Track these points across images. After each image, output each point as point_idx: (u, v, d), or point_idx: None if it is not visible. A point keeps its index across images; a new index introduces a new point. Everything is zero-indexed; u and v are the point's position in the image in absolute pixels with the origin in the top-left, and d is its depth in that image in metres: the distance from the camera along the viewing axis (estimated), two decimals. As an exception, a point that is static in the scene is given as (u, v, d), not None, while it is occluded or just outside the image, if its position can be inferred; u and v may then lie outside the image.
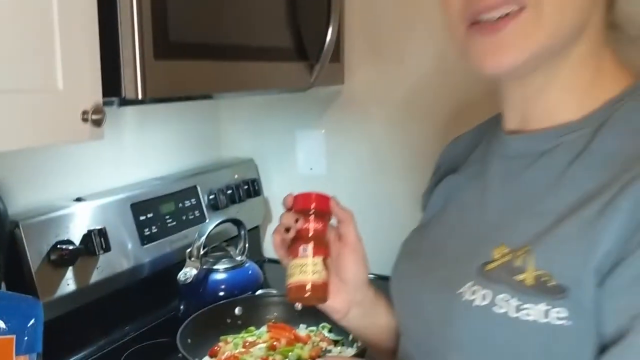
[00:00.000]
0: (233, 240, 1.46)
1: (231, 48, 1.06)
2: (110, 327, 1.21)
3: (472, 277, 0.62)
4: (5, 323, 0.86)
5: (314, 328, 1.22)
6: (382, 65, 1.48)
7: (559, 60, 0.62)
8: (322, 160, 1.63)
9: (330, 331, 1.21)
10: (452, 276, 0.65)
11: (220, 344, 1.17)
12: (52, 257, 1.07)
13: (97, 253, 1.14)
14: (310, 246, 0.75)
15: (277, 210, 1.71)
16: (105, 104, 0.89)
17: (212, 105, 1.68)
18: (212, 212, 1.47)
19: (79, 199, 1.19)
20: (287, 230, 0.81)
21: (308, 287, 0.75)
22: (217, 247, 1.40)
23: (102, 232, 1.15)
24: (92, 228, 1.15)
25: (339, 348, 1.16)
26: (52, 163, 1.20)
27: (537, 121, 0.66)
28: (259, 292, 1.34)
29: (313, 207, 0.77)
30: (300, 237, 0.78)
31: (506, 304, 0.57)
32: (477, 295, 0.60)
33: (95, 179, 1.29)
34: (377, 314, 0.84)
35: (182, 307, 1.30)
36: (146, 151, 1.45)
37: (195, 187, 1.46)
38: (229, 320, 1.23)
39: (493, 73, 0.61)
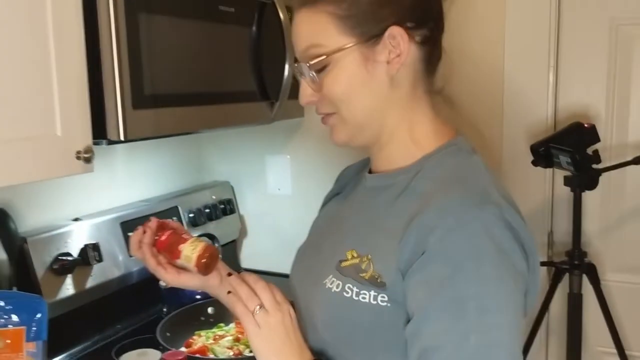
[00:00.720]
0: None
1: (201, 95, 1.31)
2: (103, 325, 1.46)
3: (332, 271, 0.85)
4: (17, 316, 1.11)
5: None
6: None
7: (382, 132, 0.86)
8: (288, 182, 1.88)
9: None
10: (321, 270, 0.88)
11: (195, 337, 1.41)
12: (55, 266, 1.32)
13: (92, 263, 1.39)
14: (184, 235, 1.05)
15: (252, 225, 1.96)
16: (96, 143, 1.13)
17: (194, 137, 1.93)
18: (192, 228, 1.72)
19: (76, 219, 1.44)
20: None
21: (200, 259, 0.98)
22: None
23: (96, 246, 1.40)
24: (87, 243, 1.39)
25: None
26: (55, 189, 1.45)
27: (383, 166, 0.90)
28: (229, 295, 1.58)
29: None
30: (171, 243, 1.03)
31: (351, 291, 0.81)
32: (333, 284, 0.84)
33: (91, 201, 1.54)
34: None
35: (164, 308, 1.54)
36: (135, 177, 1.70)
37: (176, 207, 1.71)
38: (202, 318, 1.47)
39: (337, 144, 0.89)
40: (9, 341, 1.10)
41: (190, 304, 1.48)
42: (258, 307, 0.84)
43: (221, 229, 1.82)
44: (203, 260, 0.97)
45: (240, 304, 0.85)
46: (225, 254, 1.71)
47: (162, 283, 1.51)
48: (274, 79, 1.50)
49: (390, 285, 0.78)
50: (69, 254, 1.35)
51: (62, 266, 1.33)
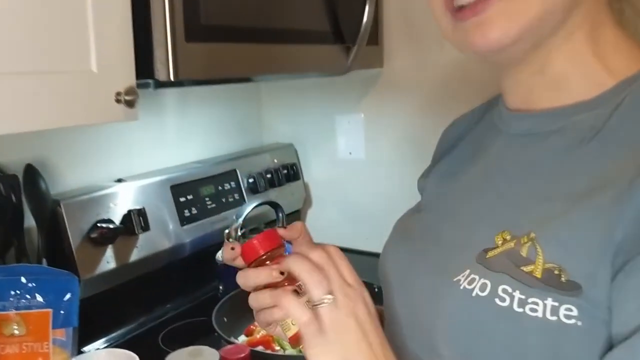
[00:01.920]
0: (272, 224, 1.48)
1: (266, 31, 1.07)
2: (149, 305, 1.25)
3: (470, 264, 0.58)
4: (42, 297, 0.90)
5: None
6: (421, 49, 1.46)
7: (554, 36, 0.58)
8: (361, 145, 1.62)
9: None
10: (447, 262, 0.61)
11: (257, 323, 1.18)
12: (92, 235, 1.10)
13: (137, 232, 1.17)
14: None
15: (317, 194, 1.72)
16: (140, 86, 0.91)
17: (253, 89, 1.69)
18: (251, 195, 1.49)
19: (120, 180, 1.23)
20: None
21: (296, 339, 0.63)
22: (256, 229, 1.42)
23: (141, 212, 1.19)
24: (132, 208, 1.18)
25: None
26: (95, 145, 1.24)
27: (544, 101, 0.61)
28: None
29: (262, 252, 0.64)
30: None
31: (509, 297, 0.53)
32: (476, 284, 0.56)
33: (137, 161, 1.32)
34: None
35: (220, 287, 1.32)
36: (187, 134, 1.48)
37: (234, 170, 1.48)
38: (265, 301, 1.24)
39: (482, 49, 0.57)
40: (31, 327, 0.89)
41: (249, 283, 1.25)
42: (326, 297, 0.56)
43: (283, 197, 1.58)
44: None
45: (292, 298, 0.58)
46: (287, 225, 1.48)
47: (218, 257, 1.29)
48: (352, 19, 1.25)
49: (587, 287, 0.50)
50: (109, 221, 1.14)
51: (102, 235, 1.11)
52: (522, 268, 0.54)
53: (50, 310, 0.90)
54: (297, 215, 1.69)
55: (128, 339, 1.18)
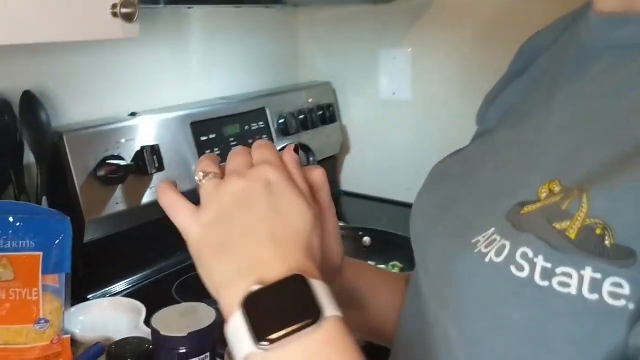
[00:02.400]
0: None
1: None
2: (163, 253, 1.14)
3: (497, 221, 0.43)
4: (31, 239, 0.80)
5: (383, 266, 1.09)
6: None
7: None
8: (407, 84, 1.45)
9: (402, 271, 1.08)
10: (473, 217, 0.46)
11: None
12: (99, 173, 1.00)
13: (150, 172, 1.06)
14: None
15: (356, 139, 1.57)
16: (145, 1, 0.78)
17: (288, 18, 1.54)
18: (281, 137, 1.36)
19: (133, 114, 1.11)
20: None
21: None
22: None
23: (155, 150, 1.07)
24: (145, 145, 1.06)
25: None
26: (106, 75, 1.12)
27: None
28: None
29: None
30: None
31: (529, 264, 0.38)
32: (493, 247, 0.41)
33: (154, 95, 1.20)
34: (361, 302, 0.61)
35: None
36: (212, 67, 1.34)
37: (264, 109, 1.34)
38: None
39: None
40: (19, 271, 0.79)
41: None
42: (204, 175, 0.47)
43: (318, 141, 1.44)
44: None
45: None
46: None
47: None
48: None
49: None
50: (119, 158, 1.02)
51: (110, 173, 1.00)
52: (554, 225, 0.39)
53: (40, 253, 0.80)
54: (332, 162, 1.55)
55: (139, 288, 1.08)
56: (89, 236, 1.00)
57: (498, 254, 0.41)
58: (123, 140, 1.05)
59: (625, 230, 0.36)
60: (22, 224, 0.79)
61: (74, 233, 0.83)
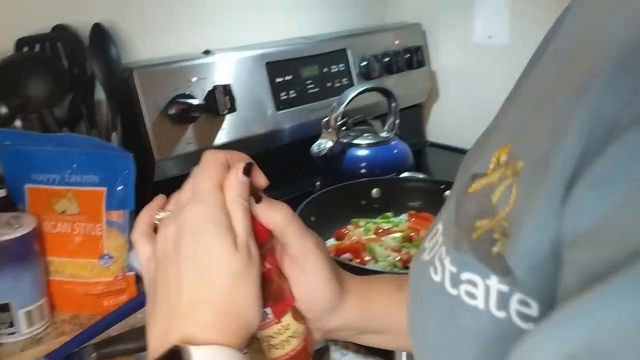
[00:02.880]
0: (383, 118, 1.26)
1: None
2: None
3: (453, 198, 0.36)
4: (96, 174, 0.78)
5: (463, 223, 1.00)
6: None
7: None
8: (504, 26, 1.31)
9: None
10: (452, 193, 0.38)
11: (350, 226, 1.01)
12: (170, 111, 0.97)
13: (222, 112, 1.02)
14: (268, 309, 0.45)
15: (446, 85, 1.46)
16: None
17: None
18: (362, 81, 1.28)
19: (206, 52, 1.07)
20: None
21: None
22: (362, 122, 1.22)
23: (227, 90, 1.03)
24: (217, 84, 1.02)
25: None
26: (182, 9, 1.09)
27: None
28: (404, 174, 1.14)
29: None
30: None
31: (442, 266, 0.33)
32: (434, 238, 0.36)
33: (229, 32, 1.15)
34: (382, 326, 0.52)
35: (318, 182, 1.16)
36: (292, 4, 1.27)
37: (344, 50, 1.26)
38: (363, 202, 1.06)
39: None
40: (84, 206, 0.79)
41: (349, 180, 1.07)
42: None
43: (403, 87, 1.35)
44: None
45: None
46: (407, 122, 1.25)
47: (314, 148, 1.11)
48: None
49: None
50: (191, 96, 0.99)
51: (181, 112, 0.98)
52: (476, 222, 0.32)
53: (104, 189, 0.78)
54: (417, 110, 1.46)
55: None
56: (159, 175, 0.98)
57: (430, 250, 0.36)
58: (195, 79, 1.02)
59: (521, 243, 0.28)
60: (85, 158, 0.78)
61: (144, 172, 0.81)
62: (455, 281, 0.31)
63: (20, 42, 0.84)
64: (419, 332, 0.36)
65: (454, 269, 0.32)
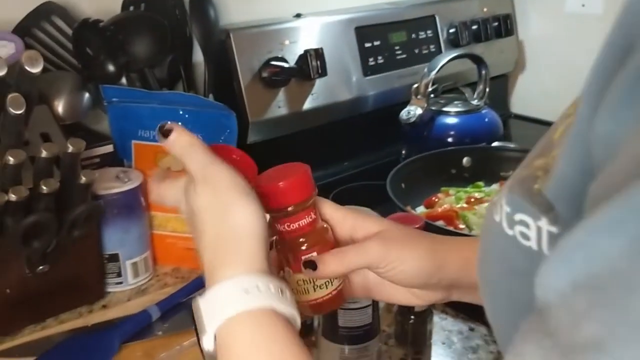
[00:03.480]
0: (472, 87, 1.23)
1: None
2: (322, 161, 1.11)
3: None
4: (199, 132, 0.79)
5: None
6: None
7: None
8: (600, -7, 1.26)
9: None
10: None
11: (440, 195, 1.00)
12: (264, 74, 0.98)
13: (313, 77, 1.02)
14: (314, 254, 0.47)
15: (534, 55, 1.41)
16: None
17: None
18: (450, 48, 1.25)
19: (298, 15, 1.07)
20: None
21: (320, 305, 0.49)
22: (452, 89, 1.19)
23: (319, 54, 1.02)
24: (309, 48, 1.02)
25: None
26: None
27: None
28: (495, 144, 1.11)
29: (289, 204, 0.46)
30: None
31: (499, 208, 0.33)
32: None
33: (320, -4, 1.15)
34: None
35: (404, 150, 1.15)
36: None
37: (433, 16, 1.24)
38: (453, 171, 1.04)
39: None
40: (186, 162, 0.80)
41: (438, 148, 1.05)
42: None
43: (490, 55, 1.31)
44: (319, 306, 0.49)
45: None
46: (492, 92, 1.22)
47: (403, 115, 1.10)
48: None
49: None
50: (283, 60, 1.00)
51: (274, 75, 0.98)
52: (534, 161, 0.32)
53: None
54: (502, 80, 1.42)
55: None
56: (251, 138, 0.99)
57: (498, 193, 0.37)
58: (287, 42, 1.02)
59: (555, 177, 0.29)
60: (189, 116, 0.80)
61: (238, 132, 0.82)
62: (511, 222, 0.31)
63: (127, 2, 0.86)
64: (483, 273, 0.36)
65: (508, 210, 0.32)
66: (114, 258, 0.77)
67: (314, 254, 0.47)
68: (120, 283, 0.78)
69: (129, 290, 0.79)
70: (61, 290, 0.70)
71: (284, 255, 0.48)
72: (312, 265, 0.46)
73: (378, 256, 0.47)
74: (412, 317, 0.66)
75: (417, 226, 0.73)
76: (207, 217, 0.42)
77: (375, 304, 0.59)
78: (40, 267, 0.66)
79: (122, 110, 0.81)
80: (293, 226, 0.46)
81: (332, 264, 0.46)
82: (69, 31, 0.82)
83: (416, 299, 0.51)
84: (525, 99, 1.44)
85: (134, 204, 0.77)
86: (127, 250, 0.77)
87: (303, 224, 0.46)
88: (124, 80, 0.84)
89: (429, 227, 0.75)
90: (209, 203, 0.42)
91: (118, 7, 0.87)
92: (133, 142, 0.82)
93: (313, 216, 0.47)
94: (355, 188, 1.05)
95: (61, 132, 0.71)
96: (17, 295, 0.65)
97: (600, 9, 1.27)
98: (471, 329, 0.71)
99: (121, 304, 0.76)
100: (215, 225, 0.41)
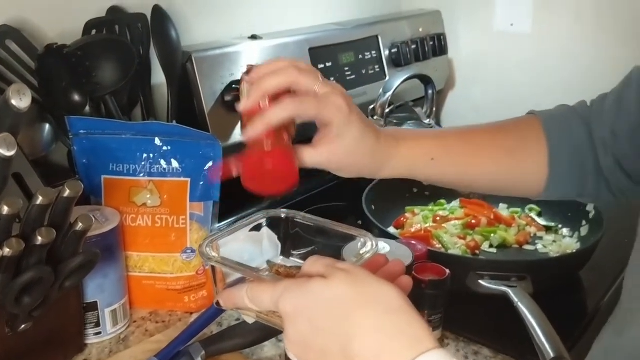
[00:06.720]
0: (417, 102, 1.26)
1: None
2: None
3: None
4: (179, 163, 0.74)
5: (518, 210, 1.01)
6: None
7: None
8: (527, 13, 1.33)
9: (539, 215, 1.00)
10: None
11: (407, 214, 1.01)
12: (227, 97, 0.93)
13: (274, 100, 0.99)
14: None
15: (463, 73, 1.47)
16: None
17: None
18: (393, 68, 1.27)
19: (254, 37, 1.03)
20: None
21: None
22: (402, 106, 1.21)
23: (279, 76, 0.99)
24: (268, 70, 0.99)
25: (551, 236, 0.95)
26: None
27: None
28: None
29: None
30: None
31: None
32: None
33: (272, 17, 1.12)
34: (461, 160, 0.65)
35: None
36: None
37: (376, 37, 1.25)
38: (415, 190, 1.06)
39: None
40: (166, 197, 0.74)
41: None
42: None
43: (427, 74, 1.34)
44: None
45: None
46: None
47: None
48: None
49: None
50: (245, 83, 0.96)
51: (237, 98, 0.94)
52: None
53: (188, 179, 0.74)
54: (437, 97, 1.46)
55: (271, 217, 1.02)
56: (216, 164, 0.94)
57: None
58: (247, 64, 0.98)
59: None
60: (170, 147, 0.74)
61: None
62: None
63: (89, 25, 0.78)
64: None
65: None
66: (92, 307, 0.69)
67: None
68: (99, 333, 0.70)
69: (108, 340, 0.71)
70: (40, 347, 0.62)
71: None
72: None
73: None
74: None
75: (421, 253, 0.73)
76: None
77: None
78: (23, 326, 0.58)
79: (90, 143, 0.74)
80: None
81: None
82: (25, 56, 0.73)
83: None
84: (456, 117, 1.50)
85: (114, 246, 0.70)
86: (106, 297, 0.70)
87: None
88: (87, 109, 0.76)
89: (430, 252, 0.75)
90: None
91: (79, 30, 0.79)
92: (103, 177, 0.75)
93: None
94: (325, 208, 1.03)
95: (35, 172, 0.63)
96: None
97: (529, 28, 1.35)
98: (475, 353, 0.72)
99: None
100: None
